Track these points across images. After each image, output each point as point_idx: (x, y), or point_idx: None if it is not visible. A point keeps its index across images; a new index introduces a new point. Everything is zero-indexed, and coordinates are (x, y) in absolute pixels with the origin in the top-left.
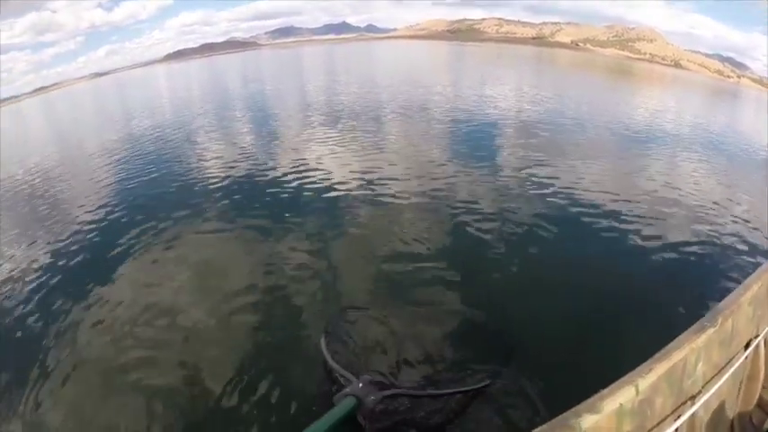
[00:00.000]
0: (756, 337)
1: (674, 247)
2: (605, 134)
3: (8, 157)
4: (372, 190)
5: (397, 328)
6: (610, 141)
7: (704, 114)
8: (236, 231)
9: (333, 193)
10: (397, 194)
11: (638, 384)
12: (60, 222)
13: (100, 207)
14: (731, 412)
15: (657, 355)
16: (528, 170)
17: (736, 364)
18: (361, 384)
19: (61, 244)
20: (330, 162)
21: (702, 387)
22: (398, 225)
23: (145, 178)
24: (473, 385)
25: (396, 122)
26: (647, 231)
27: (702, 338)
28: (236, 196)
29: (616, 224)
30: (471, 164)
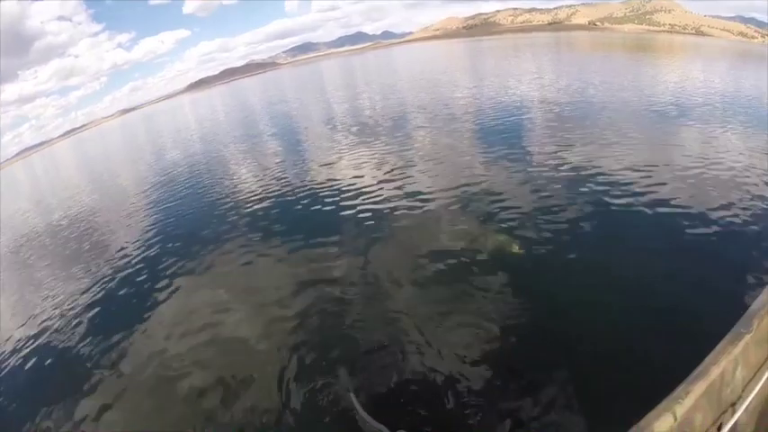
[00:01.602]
0: None
1: (706, 237)
2: (634, 115)
3: (47, 201)
4: (404, 200)
5: (424, 369)
6: (640, 121)
7: (731, 81)
8: (272, 251)
9: (365, 207)
10: (429, 204)
11: (676, 411)
12: (105, 256)
13: (140, 238)
14: None
15: (694, 374)
16: (559, 162)
17: None
18: None
19: (107, 274)
20: (361, 176)
21: (742, 391)
22: (434, 239)
23: (181, 206)
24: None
25: (422, 128)
26: (681, 221)
27: (740, 347)
28: (272, 217)
29: (649, 213)
30: (504, 163)
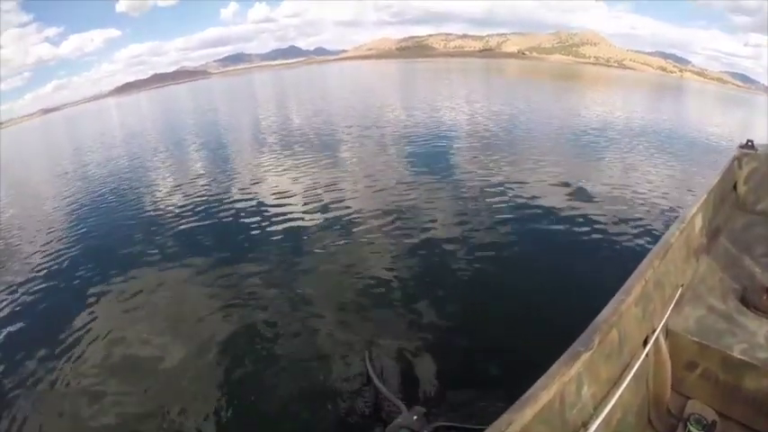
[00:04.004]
0: (654, 331)
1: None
2: (558, 140)
3: None
4: (335, 215)
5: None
6: (562, 146)
7: (650, 111)
8: (203, 268)
9: (297, 221)
10: (360, 218)
11: None
12: (14, 272)
13: (55, 254)
14: (643, 412)
15: (520, 401)
16: (486, 183)
17: (636, 365)
18: (415, 417)
19: (17, 295)
20: (288, 193)
21: (595, 409)
22: (366, 250)
23: (102, 219)
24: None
25: (353, 146)
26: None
27: (576, 366)
28: (199, 232)
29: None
30: (433, 183)
